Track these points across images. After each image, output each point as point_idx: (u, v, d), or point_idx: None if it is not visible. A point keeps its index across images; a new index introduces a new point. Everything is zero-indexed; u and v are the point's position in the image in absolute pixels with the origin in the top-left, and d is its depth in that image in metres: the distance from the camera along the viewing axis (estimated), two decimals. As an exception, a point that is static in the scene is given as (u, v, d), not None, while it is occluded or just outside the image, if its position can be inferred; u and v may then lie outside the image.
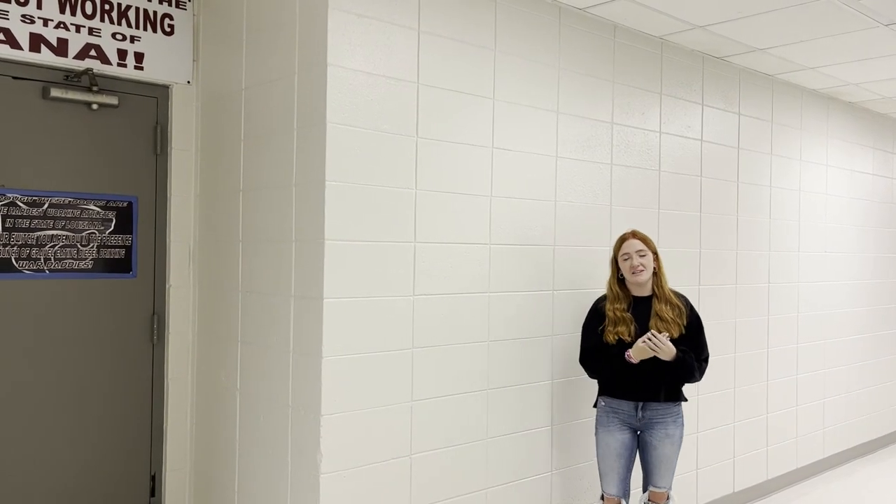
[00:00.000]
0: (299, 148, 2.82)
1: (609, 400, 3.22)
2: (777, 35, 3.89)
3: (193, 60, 3.34)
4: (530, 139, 3.38)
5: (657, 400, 3.15)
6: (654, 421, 3.16)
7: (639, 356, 3.04)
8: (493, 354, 3.24)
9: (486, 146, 3.20)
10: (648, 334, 3.01)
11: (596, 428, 3.27)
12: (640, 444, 3.23)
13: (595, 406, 3.31)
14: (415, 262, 2.95)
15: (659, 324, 3.11)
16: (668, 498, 3.24)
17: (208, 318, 3.30)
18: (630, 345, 3.08)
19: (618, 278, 3.23)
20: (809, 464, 5.18)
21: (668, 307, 3.16)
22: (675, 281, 4.11)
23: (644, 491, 3.28)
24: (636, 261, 3.14)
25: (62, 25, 2.97)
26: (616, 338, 3.11)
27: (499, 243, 3.25)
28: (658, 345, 2.99)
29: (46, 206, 2.98)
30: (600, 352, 3.18)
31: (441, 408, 3.05)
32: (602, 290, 3.36)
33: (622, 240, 3.23)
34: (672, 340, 3.05)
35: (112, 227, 3.15)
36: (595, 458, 3.36)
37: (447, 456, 3.07)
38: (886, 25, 3.67)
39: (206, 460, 3.30)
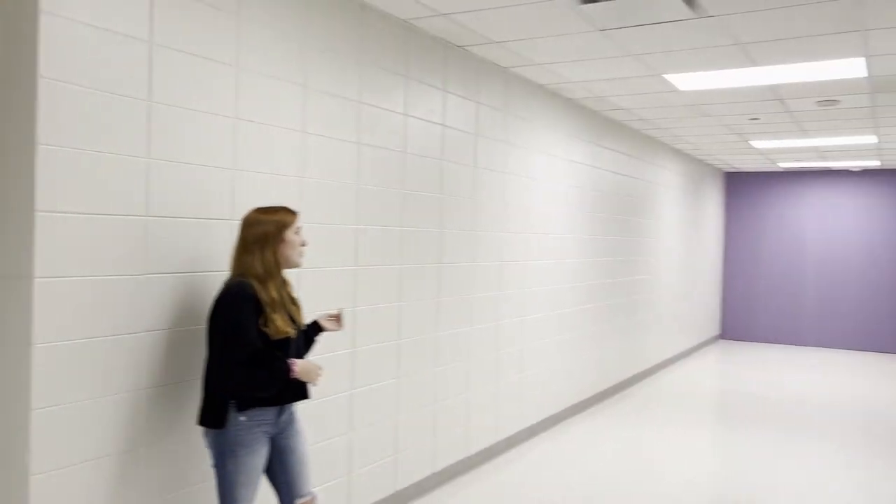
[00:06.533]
0: (2, 105, 2.43)
1: (256, 412, 2.61)
2: (511, 30, 4.18)
3: None
4: (277, 112, 3.27)
5: (304, 397, 2.79)
6: (289, 421, 2.79)
7: (306, 376, 2.65)
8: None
9: (230, 116, 3.03)
10: (319, 370, 2.68)
11: (233, 452, 2.58)
12: (276, 451, 2.75)
13: (224, 426, 2.58)
14: (146, 237, 2.71)
15: (295, 309, 2.78)
16: (314, 498, 2.89)
17: None
18: (290, 342, 2.68)
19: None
20: (512, 434, 5.73)
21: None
22: (418, 260, 4.27)
23: None
24: (303, 236, 2.81)
25: None
26: (281, 328, 2.61)
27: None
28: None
29: None
30: (264, 357, 2.58)
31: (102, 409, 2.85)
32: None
33: (291, 212, 2.75)
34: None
35: None
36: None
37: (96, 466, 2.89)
38: (601, 31, 4.12)
39: None
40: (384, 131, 3.97)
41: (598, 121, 6.76)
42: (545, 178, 5.81)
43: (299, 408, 2.86)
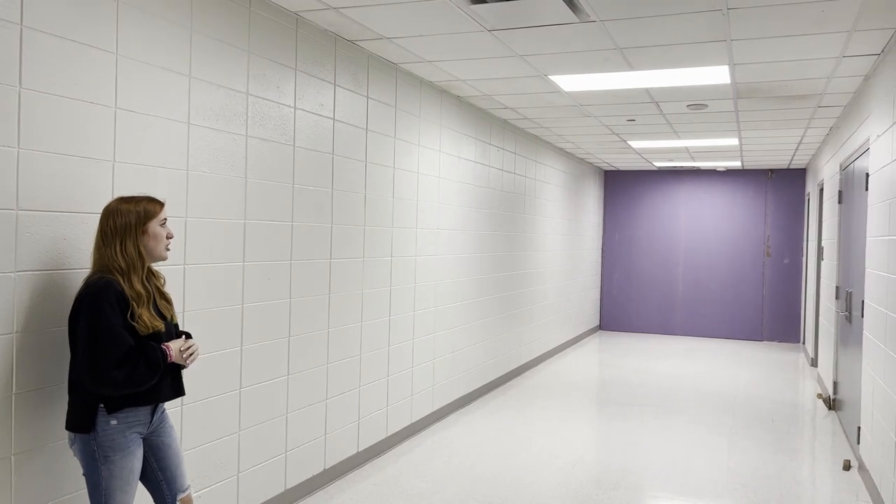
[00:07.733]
0: None
1: (126, 413, 2.50)
2: (401, 26, 4.21)
3: None
4: (160, 103, 3.15)
5: (182, 392, 2.72)
6: (162, 419, 2.69)
7: (179, 358, 2.61)
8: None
9: (109, 106, 2.89)
10: (192, 346, 2.64)
11: (106, 457, 2.46)
12: (152, 450, 2.66)
13: (92, 430, 2.46)
14: (17, 232, 2.54)
15: (165, 304, 2.68)
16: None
17: None
18: (161, 337, 2.58)
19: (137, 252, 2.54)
20: (423, 417, 5.80)
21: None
22: (307, 254, 4.23)
23: None
24: (169, 228, 2.67)
25: None
26: (149, 324, 2.50)
27: (123, 214, 2.96)
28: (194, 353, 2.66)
29: None
30: (138, 351, 2.47)
31: None
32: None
33: (156, 201, 2.61)
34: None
35: None
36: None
37: None
38: (489, 31, 4.22)
39: None
40: (273, 124, 3.89)
41: (486, 119, 6.91)
42: (434, 174, 5.88)
43: (186, 409, 2.78)
